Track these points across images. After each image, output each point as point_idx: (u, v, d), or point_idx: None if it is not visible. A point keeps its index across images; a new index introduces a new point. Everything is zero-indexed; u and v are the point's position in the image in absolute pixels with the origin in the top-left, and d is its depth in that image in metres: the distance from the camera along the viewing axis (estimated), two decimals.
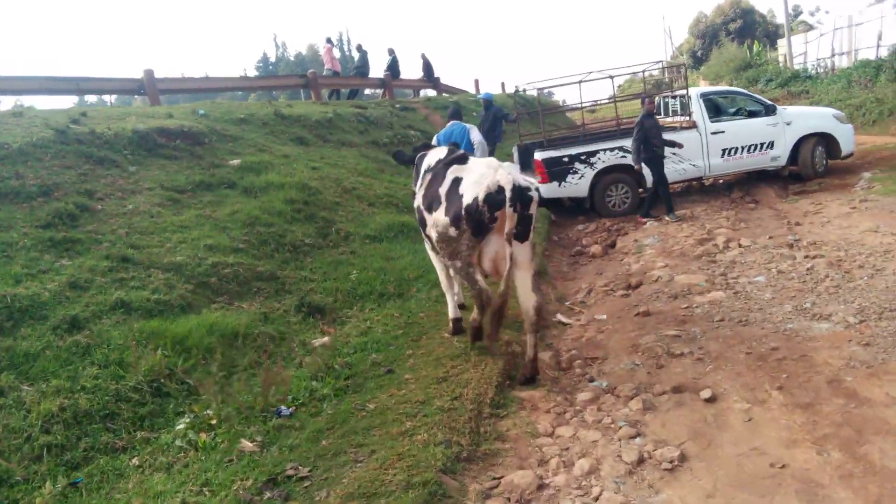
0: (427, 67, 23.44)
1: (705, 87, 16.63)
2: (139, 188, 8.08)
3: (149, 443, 4.29)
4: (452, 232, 4.85)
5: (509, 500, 3.50)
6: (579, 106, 14.13)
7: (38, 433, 4.16)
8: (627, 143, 11.02)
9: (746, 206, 10.67)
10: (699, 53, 42.72)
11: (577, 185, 11.44)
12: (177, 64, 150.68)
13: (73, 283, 5.71)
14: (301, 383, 4.92)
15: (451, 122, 8.59)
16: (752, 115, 11.71)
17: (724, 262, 7.55)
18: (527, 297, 4.85)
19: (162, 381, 4.81)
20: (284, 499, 3.50)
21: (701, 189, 12.67)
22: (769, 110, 11.61)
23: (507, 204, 4.58)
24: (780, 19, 34.19)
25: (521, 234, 4.74)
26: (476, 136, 8.31)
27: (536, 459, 3.93)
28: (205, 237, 7.22)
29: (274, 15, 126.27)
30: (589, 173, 11.36)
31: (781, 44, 30.73)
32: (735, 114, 12.00)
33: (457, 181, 4.93)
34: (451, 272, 5.55)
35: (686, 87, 11.98)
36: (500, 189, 4.59)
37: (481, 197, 4.60)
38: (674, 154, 10.97)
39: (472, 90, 26.54)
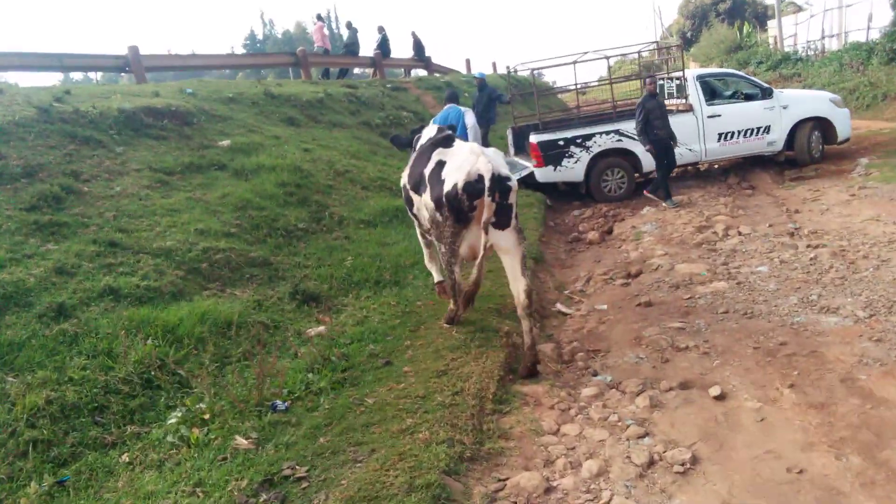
0: (418, 46, 23.02)
1: (701, 69, 16.37)
2: (126, 169, 7.84)
3: (139, 438, 4.12)
4: (438, 217, 4.88)
5: (516, 503, 3.36)
6: (574, 87, 13.85)
7: (24, 428, 3.98)
8: (624, 126, 10.82)
9: (743, 192, 10.52)
10: (689, 34, 42.27)
11: (573, 169, 11.15)
12: (163, 41, 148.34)
13: (59, 268, 5.51)
14: (297, 375, 4.75)
15: (448, 106, 8.45)
16: (748, 98, 11.48)
17: (725, 250, 7.45)
18: (517, 283, 4.87)
19: (152, 372, 4.64)
20: (281, 501, 3.34)
21: (697, 174, 12.52)
22: (766, 93, 11.36)
23: (486, 193, 4.55)
24: (770, 0, 33.86)
25: (501, 223, 4.71)
26: (470, 119, 8.23)
27: (542, 459, 3.79)
28: (195, 221, 7.02)
29: None
30: (585, 157, 11.06)
31: (772, 25, 30.32)
32: (731, 97, 11.76)
33: (440, 164, 4.96)
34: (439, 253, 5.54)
35: (683, 69, 11.74)
36: (480, 178, 4.59)
37: (460, 185, 4.62)
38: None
39: (464, 70, 26.16)
